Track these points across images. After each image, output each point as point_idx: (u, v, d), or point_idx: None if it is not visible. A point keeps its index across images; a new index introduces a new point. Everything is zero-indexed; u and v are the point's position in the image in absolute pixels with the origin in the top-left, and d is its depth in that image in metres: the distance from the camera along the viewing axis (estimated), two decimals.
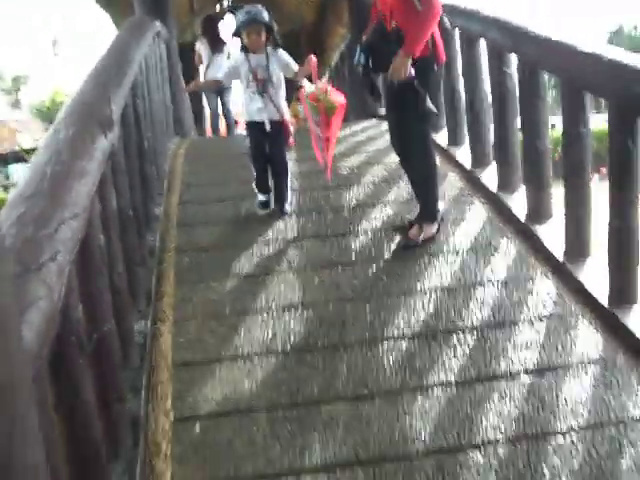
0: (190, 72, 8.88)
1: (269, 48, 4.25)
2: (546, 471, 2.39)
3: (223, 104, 8.96)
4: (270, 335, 3.13)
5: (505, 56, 4.16)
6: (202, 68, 8.80)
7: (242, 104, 4.44)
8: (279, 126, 4.33)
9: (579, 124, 3.43)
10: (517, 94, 4.08)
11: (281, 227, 4.16)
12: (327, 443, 2.53)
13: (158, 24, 5.64)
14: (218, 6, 14.82)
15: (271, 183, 4.42)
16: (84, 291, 2.05)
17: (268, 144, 4.36)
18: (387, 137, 4.47)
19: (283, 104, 4.38)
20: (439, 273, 3.58)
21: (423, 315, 3.24)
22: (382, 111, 5.75)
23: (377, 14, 3.88)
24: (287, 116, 4.40)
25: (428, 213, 3.96)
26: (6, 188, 24.78)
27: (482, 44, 4.50)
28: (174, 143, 6.11)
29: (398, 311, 3.26)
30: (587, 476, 2.38)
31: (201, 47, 8.72)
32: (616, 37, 44.53)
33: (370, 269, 3.64)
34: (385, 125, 5.16)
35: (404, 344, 3.05)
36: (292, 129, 4.41)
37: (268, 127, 4.30)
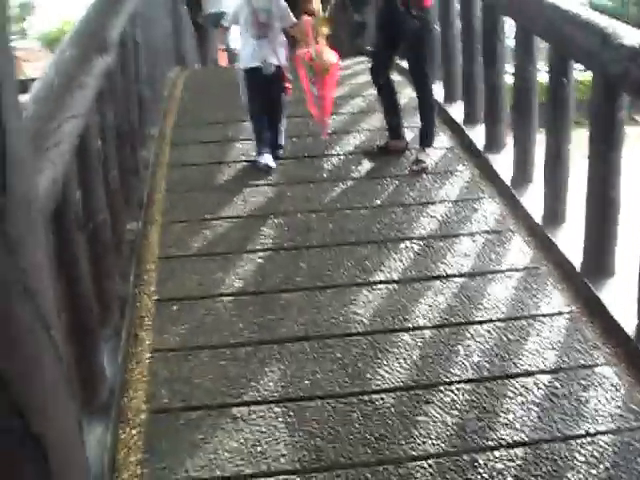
0: (193, 3, 9.23)
1: None
2: (461, 350, 2.89)
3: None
4: (243, 237, 3.64)
5: (472, 1, 4.55)
6: (206, 2, 9.12)
7: (240, 49, 4.54)
8: (277, 71, 4.40)
9: (529, 64, 3.84)
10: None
11: None
12: (282, 323, 3.04)
13: None
14: None
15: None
16: (82, 181, 2.53)
17: (267, 90, 4.42)
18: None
19: (281, 50, 4.45)
20: (398, 192, 4.06)
21: (378, 226, 3.73)
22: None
23: None
24: (285, 62, 4.47)
25: (433, 138, 4.48)
26: None
27: None
28: (174, 72, 6.51)
29: (357, 222, 3.76)
30: (496, 357, 2.87)
31: None
32: None
33: (338, 186, 4.12)
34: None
35: (358, 248, 3.54)
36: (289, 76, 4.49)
37: (269, 71, 4.35)
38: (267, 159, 4.33)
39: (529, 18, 3.72)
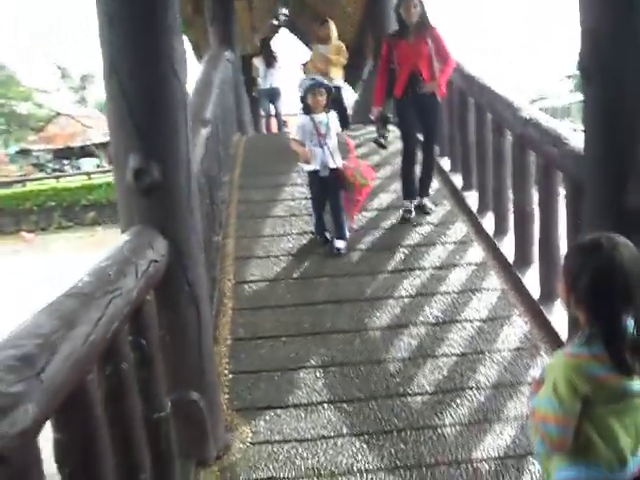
0: (249, 80, 11.25)
1: (326, 109, 5.39)
2: (422, 298, 4.59)
3: (275, 107, 11.24)
4: (292, 246, 5.42)
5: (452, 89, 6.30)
6: (259, 79, 11.11)
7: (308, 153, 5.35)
8: (335, 173, 5.36)
9: (484, 127, 5.59)
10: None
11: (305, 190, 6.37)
12: (317, 291, 4.80)
13: (227, 53, 7.99)
14: (275, 21, 17.26)
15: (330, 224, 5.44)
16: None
17: (327, 189, 5.36)
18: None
19: (337, 155, 5.43)
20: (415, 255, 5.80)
21: (392, 264, 5.47)
22: None
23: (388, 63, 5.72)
24: (340, 164, 5.41)
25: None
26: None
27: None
28: (237, 137, 8.43)
29: (380, 261, 5.48)
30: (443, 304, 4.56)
31: (258, 63, 11.04)
32: None
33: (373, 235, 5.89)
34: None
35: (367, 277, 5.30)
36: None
37: (325, 173, 5.33)
38: (323, 237, 5.44)
39: (482, 98, 5.51)
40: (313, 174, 5.42)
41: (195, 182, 3.37)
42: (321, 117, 5.36)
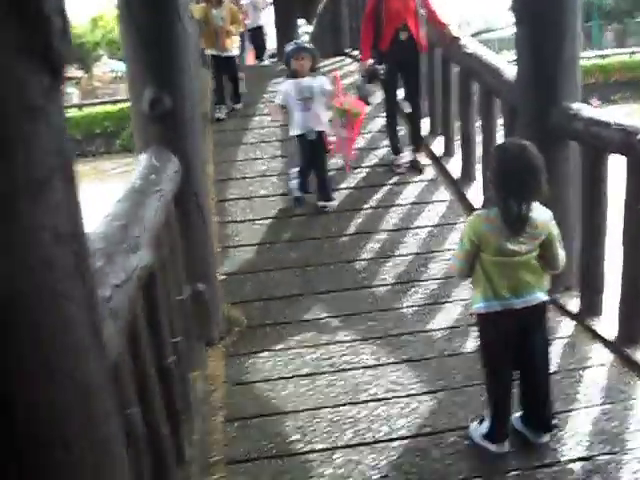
0: None
1: (312, 74, 5.42)
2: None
3: None
4: (265, 168, 6.10)
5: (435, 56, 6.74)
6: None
7: (294, 119, 5.46)
8: (320, 135, 5.43)
9: (470, 87, 6.23)
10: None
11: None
12: (290, 206, 5.51)
13: None
14: None
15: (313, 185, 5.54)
16: None
17: (315, 153, 5.44)
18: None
19: (323, 118, 5.47)
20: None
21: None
22: None
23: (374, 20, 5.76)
24: (327, 128, 5.50)
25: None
26: None
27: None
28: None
29: (343, 179, 6.17)
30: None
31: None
32: None
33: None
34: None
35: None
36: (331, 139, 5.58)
37: (313, 136, 5.39)
38: (298, 195, 5.54)
39: (432, 36, 6.13)
40: (301, 138, 5.48)
41: (198, 110, 4.02)
42: (305, 81, 5.40)
